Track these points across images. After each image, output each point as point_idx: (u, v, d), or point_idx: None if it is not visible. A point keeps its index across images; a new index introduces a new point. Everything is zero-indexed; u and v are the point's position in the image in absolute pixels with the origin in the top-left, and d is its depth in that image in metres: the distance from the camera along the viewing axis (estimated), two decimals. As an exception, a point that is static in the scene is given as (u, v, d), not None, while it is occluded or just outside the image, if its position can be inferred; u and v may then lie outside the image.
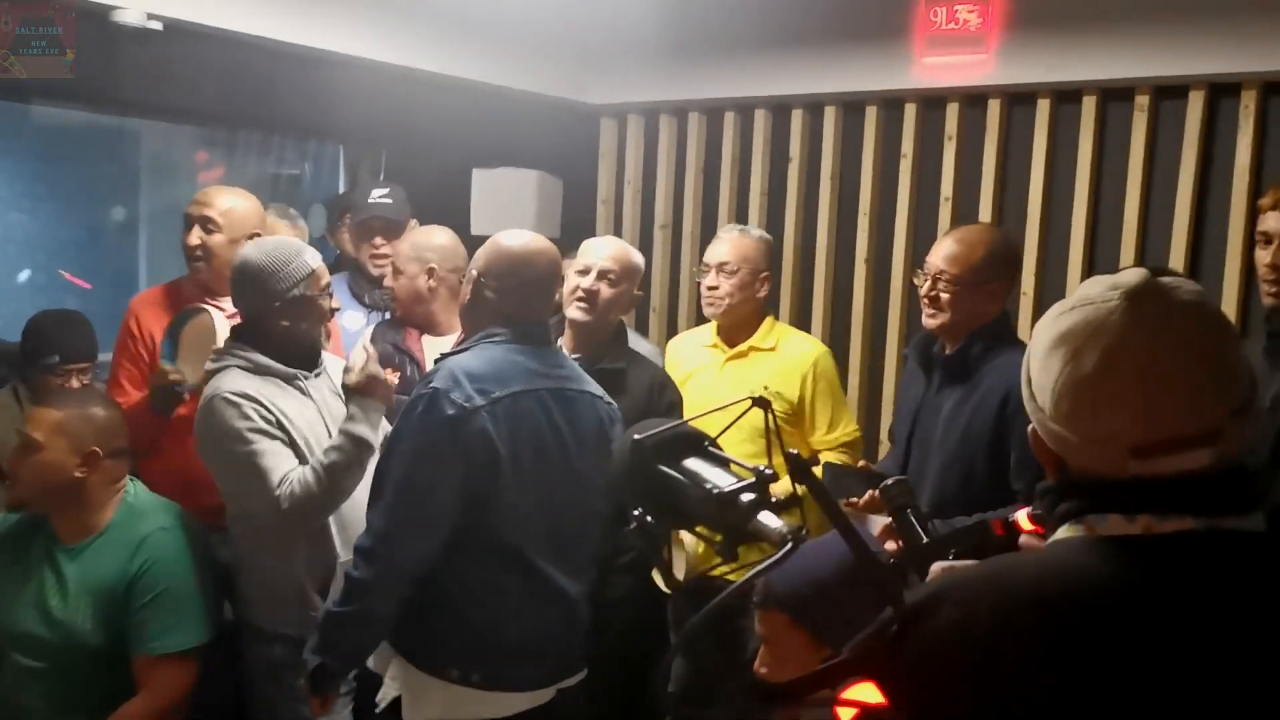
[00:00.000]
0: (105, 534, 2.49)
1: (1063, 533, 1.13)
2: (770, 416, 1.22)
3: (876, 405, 3.93)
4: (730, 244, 3.20)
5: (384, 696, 2.32)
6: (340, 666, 2.29)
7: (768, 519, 1.08)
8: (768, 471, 1.12)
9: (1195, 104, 3.30)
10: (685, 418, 1.27)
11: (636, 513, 1.19)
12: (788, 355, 3.20)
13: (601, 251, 2.99)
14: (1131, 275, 1.12)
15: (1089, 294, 1.12)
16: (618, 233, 4.47)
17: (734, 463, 1.22)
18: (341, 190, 4.42)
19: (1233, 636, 1.02)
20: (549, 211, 4.33)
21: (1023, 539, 1.92)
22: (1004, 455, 2.49)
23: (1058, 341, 1.11)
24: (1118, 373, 1.06)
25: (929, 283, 2.65)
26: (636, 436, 1.22)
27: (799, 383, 3.16)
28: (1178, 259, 3.33)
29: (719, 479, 1.16)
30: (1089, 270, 3.47)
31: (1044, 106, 3.56)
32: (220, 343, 2.66)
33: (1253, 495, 1.08)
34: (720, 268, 3.18)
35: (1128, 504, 1.07)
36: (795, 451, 1.13)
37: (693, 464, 1.22)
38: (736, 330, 3.24)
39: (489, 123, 4.23)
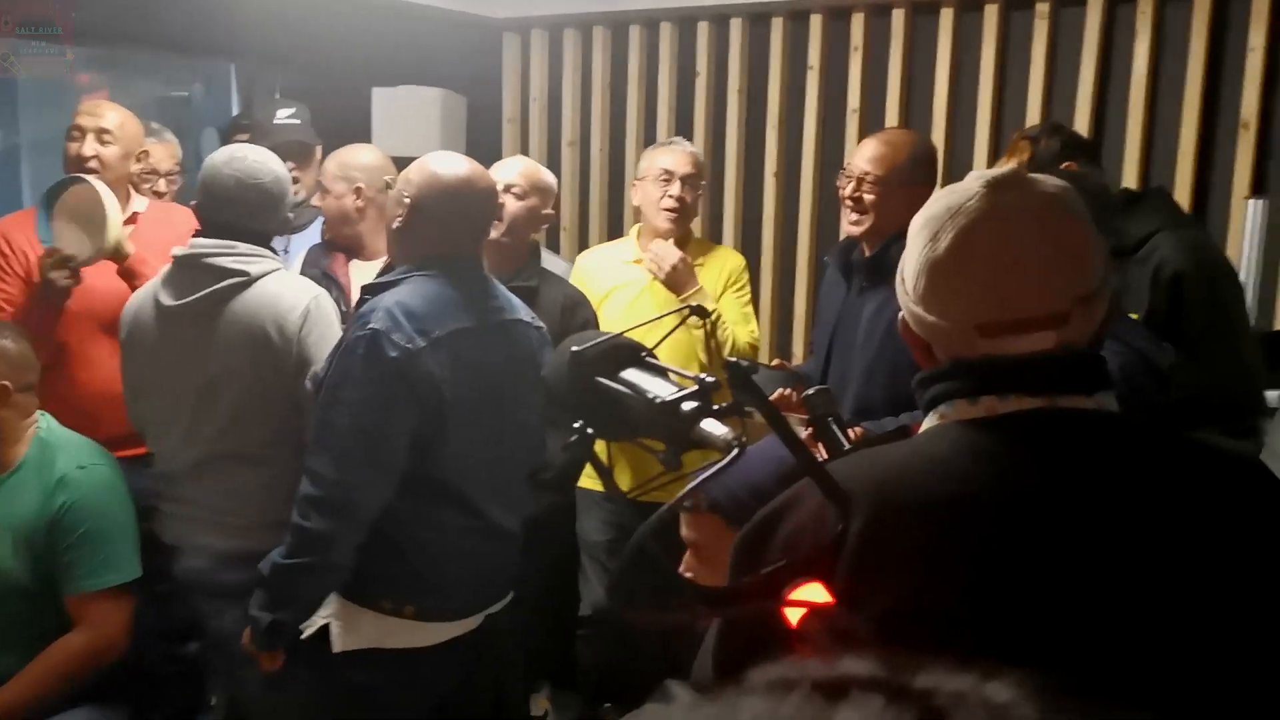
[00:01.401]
0: (19, 471, 2.42)
1: (927, 423, 1.18)
2: (709, 325, 1.23)
3: (789, 317, 3.97)
4: (690, 156, 3.18)
5: (309, 624, 2.28)
6: (295, 620, 2.24)
7: (712, 426, 1.09)
8: (710, 380, 1.13)
9: (1094, 11, 3.35)
10: (622, 330, 1.27)
11: (577, 425, 1.18)
12: (713, 268, 3.21)
13: (507, 167, 2.99)
14: (1001, 169, 1.19)
15: (958, 185, 1.18)
16: (525, 151, 4.41)
17: (673, 372, 1.22)
18: (235, 111, 4.27)
19: (1070, 508, 1.06)
20: (453, 130, 4.24)
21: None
22: None
23: (922, 225, 1.16)
24: (969, 253, 1.12)
25: (853, 184, 2.66)
26: (575, 348, 1.22)
27: (720, 290, 3.19)
28: (1077, 166, 3.40)
29: (660, 389, 1.17)
30: (993, 179, 3.53)
31: (948, 15, 3.58)
32: (112, 211, 2.61)
33: (1100, 377, 1.14)
34: (686, 180, 3.14)
35: (973, 386, 1.12)
36: (736, 359, 1.14)
37: (632, 375, 1.21)
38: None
39: (388, 39, 4.10)
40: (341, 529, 2.15)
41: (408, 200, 2.27)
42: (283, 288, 2.47)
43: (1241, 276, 2.79)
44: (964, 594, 1.03)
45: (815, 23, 3.80)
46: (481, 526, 2.30)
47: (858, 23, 3.73)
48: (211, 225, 2.50)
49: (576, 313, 2.94)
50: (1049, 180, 1.16)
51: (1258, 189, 3.08)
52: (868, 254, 2.68)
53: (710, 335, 1.27)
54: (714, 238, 4.03)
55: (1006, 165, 2.59)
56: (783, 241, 3.97)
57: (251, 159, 2.52)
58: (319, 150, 3.45)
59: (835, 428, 2.16)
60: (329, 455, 2.14)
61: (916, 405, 2.15)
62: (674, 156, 3.17)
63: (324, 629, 2.27)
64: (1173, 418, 2.15)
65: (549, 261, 3.63)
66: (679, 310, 1.26)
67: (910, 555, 1.04)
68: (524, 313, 2.41)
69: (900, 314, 1.21)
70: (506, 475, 2.34)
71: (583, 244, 4.31)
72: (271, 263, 2.49)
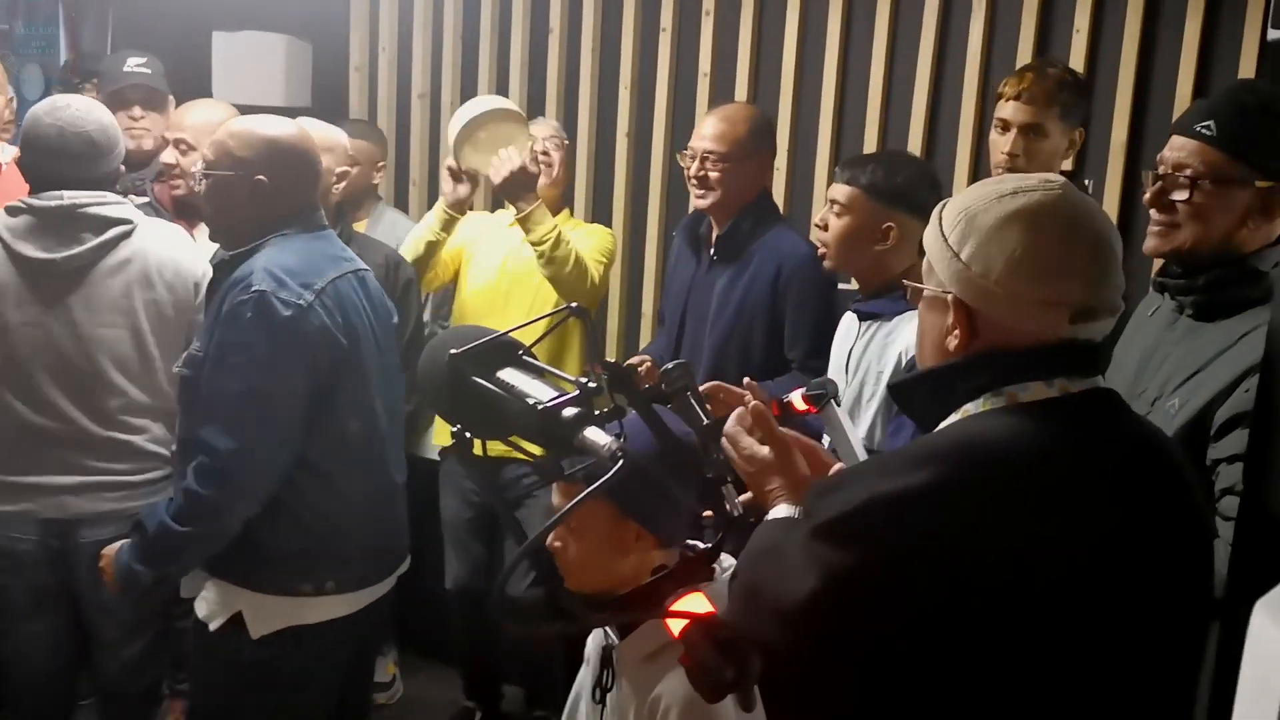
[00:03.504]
0: None
1: (974, 407, 1.27)
2: (588, 326, 1.26)
3: (639, 276, 4.02)
4: (546, 125, 3.25)
5: (213, 616, 2.22)
6: (173, 578, 2.23)
7: (595, 434, 1.12)
8: (591, 384, 1.16)
9: (934, -11, 3.48)
10: (505, 330, 1.29)
11: (455, 430, 1.21)
12: (580, 235, 3.25)
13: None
14: (1052, 176, 1.33)
15: (1026, 185, 1.30)
16: (373, 102, 4.32)
17: (550, 372, 1.26)
18: (63, 50, 4.04)
19: (1146, 473, 1.25)
20: (298, 79, 4.12)
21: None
22: (780, 326, 2.67)
23: (1012, 217, 1.27)
24: (1075, 244, 1.26)
25: (696, 163, 2.75)
26: (453, 351, 1.24)
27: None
28: (916, 138, 3.55)
29: (539, 392, 1.20)
30: (837, 147, 3.65)
31: (796, -15, 3.65)
32: None
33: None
34: (550, 139, 3.19)
35: (1054, 368, 1.26)
36: (614, 361, 1.18)
37: (510, 375, 1.24)
38: None
39: (229, -19, 3.94)
40: (238, 499, 2.11)
41: (260, 177, 2.22)
42: (169, 229, 2.53)
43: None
44: (1069, 563, 1.18)
45: (668, -15, 3.83)
46: (380, 483, 2.32)
47: (710, -13, 3.77)
48: (41, 179, 2.42)
49: (398, 272, 2.93)
50: None
51: (1078, 169, 3.28)
52: (717, 230, 2.78)
53: (589, 335, 1.30)
54: (564, 197, 4.04)
55: (1013, 89, 2.67)
56: (633, 203, 4.01)
57: (75, 107, 2.46)
58: (172, 101, 3.32)
59: (694, 401, 2.26)
60: (222, 425, 2.08)
61: (768, 376, 2.34)
62: (537, 127, 3.22)
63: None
64: None
65: (393, 221, 3.60)
66: (558, 312, 1.29)
67: (1033, 532, 1.17)
68: (362, 263, 2.43)
69: (949, 295, 1.28)
70: (395, 425, 2.36)
71: (431, 198, 4.25)
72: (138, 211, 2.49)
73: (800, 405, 2.21)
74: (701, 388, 2.79)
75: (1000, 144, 2.65)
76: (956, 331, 1.28)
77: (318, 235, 2.28)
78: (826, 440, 2.31)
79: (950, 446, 1.23)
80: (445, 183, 3.07)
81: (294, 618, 2.22)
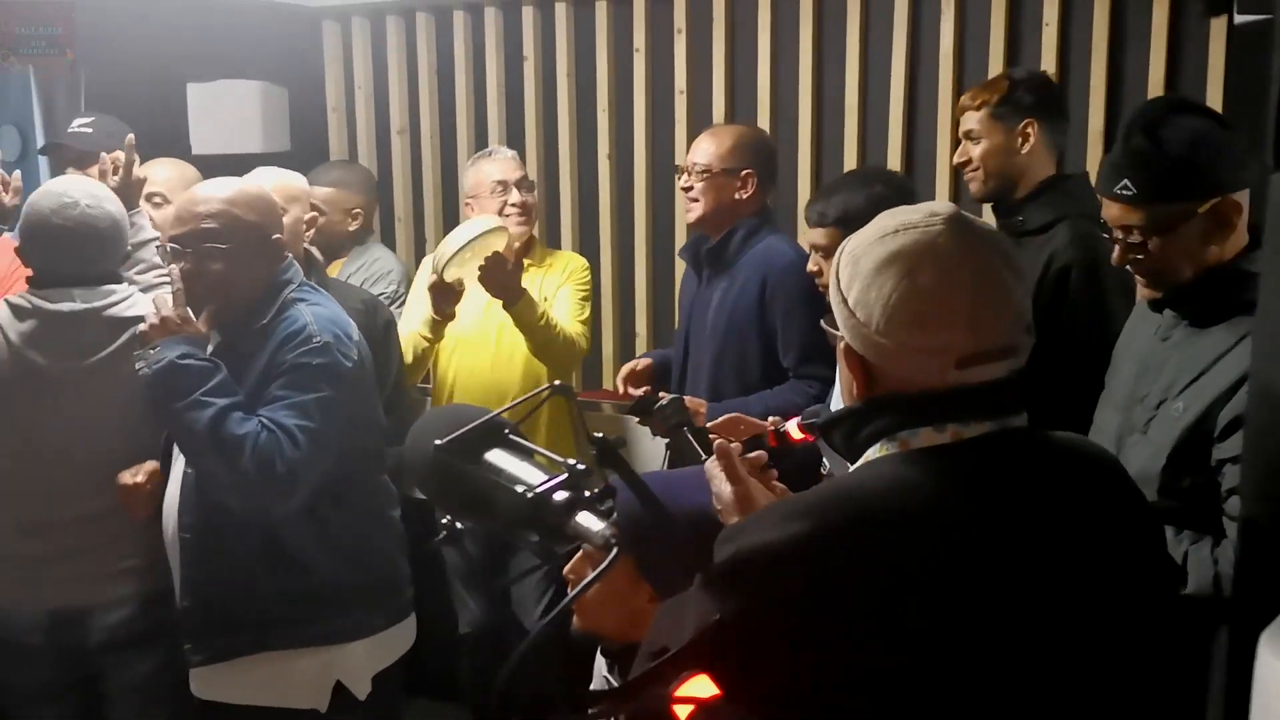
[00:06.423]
0: None
1: (874, 453, 1.24)
2: (573, 404, 1.26)
3: (629, 301, 4.02)
4: (514, 160, 3.25)
5: (319, 698, 2.28)
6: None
7: (587, 520, 1.10)
8: (580, 466, 1.14)
9: (903, -8, 3.48)
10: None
11: (445, 521, 1.20)
12: (557, 269, 3.27)
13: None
14: (942, 206, 1.25)
15: (909, 220, 1.23)
16: (352, 141, 4.32)
17: (539, 452, 1.25)
18: (36, 109, 4.03)
19: (1043, 519, 1.19)
20: (276, 124, 4.12)
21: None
22: (772, 335, 2.69)
23: (889, 260, 1.20)
24: (953, 287, 1.18)
25: (685, 177, 2.85)
26: (437, 443, 1.22)
27: (559, 285, 3.24)
28: (895, 141, 3.54)
29: (528, 474, 1.18)
30: (817, 160, 3.65)
31: (766, -2, 3.65)
32: None
33: (1024, 399, 1.25)
34: (519, 184, 3.19)
35: (941, 414, 1.20)
36: (601, 435, 1.17)
37: (497, 457, 1.23)
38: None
39: (200, 33, 3.92)
40: (286, 497, 2.18)
41: (276, 236, 2.32)
42: None
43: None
44: (960, 613, 1.13)
45: (639, 5, 3.82)
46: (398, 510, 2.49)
47: (680, 5, 3.76)
48: (48, 275, 2.40)
49: (376, 315, 2.92)
50: (980, 220, 1.26)
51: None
52: (711, 244, 2.83)
53: (576, 414, 1.30)
54: (551, 220, 4.05)
55: (972, 100, 2.68)
56: (619, 221, 4.01)
57: (84, 204, 2.39)
58: (106, 157, 3.26)
59: (692, 438, 2.25)
60: (286, 442, 2.14)
61: (766, 388, 2.30)
62: (501, 165, 3.21)
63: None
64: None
65: (379, 258, 3.59)
66: (541, 391, 1.29)
67: (903, 585, 1.11)
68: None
69: (842, 342, 1.26)
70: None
71: (418, 233, 4.27)
72: (140, 294, 2.48)
73: (797, 435, 2.21)
74: (718, 422, 2.74)
75: (966, 153, 2.71)
76: (854, 378, 1.27)
77: (314, 279, 2.46)
78: (826, 466, 2.32)
79: (822, 500, 1.20)
80: (435, 297, 3.01)
81: (383, 658, 2.35)
